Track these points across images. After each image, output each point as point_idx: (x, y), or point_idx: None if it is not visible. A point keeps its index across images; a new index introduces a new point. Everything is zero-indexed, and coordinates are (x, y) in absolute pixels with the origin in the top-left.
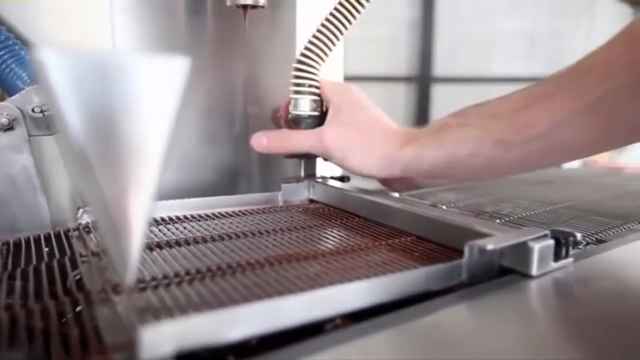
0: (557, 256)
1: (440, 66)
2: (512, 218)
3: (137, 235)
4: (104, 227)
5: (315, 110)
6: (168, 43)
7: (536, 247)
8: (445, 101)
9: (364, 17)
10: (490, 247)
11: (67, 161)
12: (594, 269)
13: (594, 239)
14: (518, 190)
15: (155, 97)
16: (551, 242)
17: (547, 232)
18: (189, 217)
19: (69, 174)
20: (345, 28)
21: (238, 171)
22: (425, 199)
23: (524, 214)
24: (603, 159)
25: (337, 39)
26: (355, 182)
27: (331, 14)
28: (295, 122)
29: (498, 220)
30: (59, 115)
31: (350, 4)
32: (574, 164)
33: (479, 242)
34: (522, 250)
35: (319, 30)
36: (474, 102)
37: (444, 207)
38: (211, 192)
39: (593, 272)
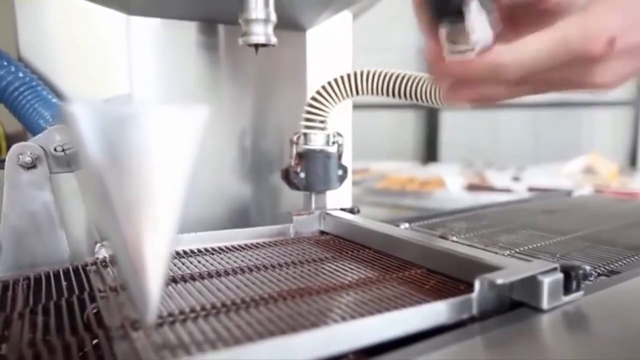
0: (568, 290)
1: None
2: (522, 249)
3: (157, 276)
4: (125, 267)
5: (325, 145)
6: (181, 78)
7: (546, 281)
8: (453, 128)
9: (371, 46)
10: (500, 281)
11: (86, 198)
12: (606, 302)
13: (606, 270)
14: (528, 220)
15: (176, 145)
16: (560, 275)
17: (557, 265)
18: (202, 250)
19: (87, 210)
20: (369, 89)
21: (249, 204)
22: (435, 229)
23: (535, 245)
24: (615, 184)
25: (352, 92)
26: (367, 214)
27: (361, 71)
28: (305, 156)
29: (508, 252)
30: (85, 161)
31: (380, 74)
32: (585, 191)
33: (489, 276)
34: (532, 284)
35: (341, 76)
36: (482, 129)
37: (454, 237)
38: (223, 225)
39: (605, 306)
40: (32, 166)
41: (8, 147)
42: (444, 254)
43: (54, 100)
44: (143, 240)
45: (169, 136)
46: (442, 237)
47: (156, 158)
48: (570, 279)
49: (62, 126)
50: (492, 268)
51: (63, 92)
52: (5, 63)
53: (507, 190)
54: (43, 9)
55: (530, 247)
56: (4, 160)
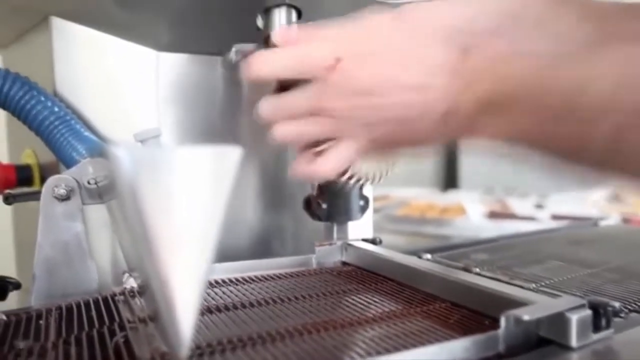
0: (597, 327)
1: None
2: (548, 282)
3: (190, 311)
4: (158, 301)
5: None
6: (206, 111)
7: (574, 318)
8: (474, 154)
9: None
10: (526, 317)
11: (118, 230)
12: (638, 340)
13: (637, 307)
14: (553, 251)
15: (211, 185)
16: (589, 312)
17: (585, 302)
18: (226, 280)
19: (118, 241)
20: None
21: (271, 233)
22: (458, 260)
23: (561, 278)
24: None
25: None
26: (387, 242)
27: None
28: (327, 187)
29: (533, 285)
30: (125, 199)
31: None
32: (612, 220)
33: (515, 312)
34: (559, 321)
35: None
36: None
37: (477, 269)
38: (245, 255)
39: (637, 344)
40: (66, 198)
41: (41, 178)
42: (468, 288)
43: (87, 134)
44: (178, 277)
45: (205, 177)
46: (466, 269)
47: (193, 197)
48: (600, 316)
49: (95, 159)
50: (517, 303)
51: (95, 126)
52: (43, 98)
53: (530, 218)
54: (78, 47)
55: (557, 280)
56: (37, 192)
